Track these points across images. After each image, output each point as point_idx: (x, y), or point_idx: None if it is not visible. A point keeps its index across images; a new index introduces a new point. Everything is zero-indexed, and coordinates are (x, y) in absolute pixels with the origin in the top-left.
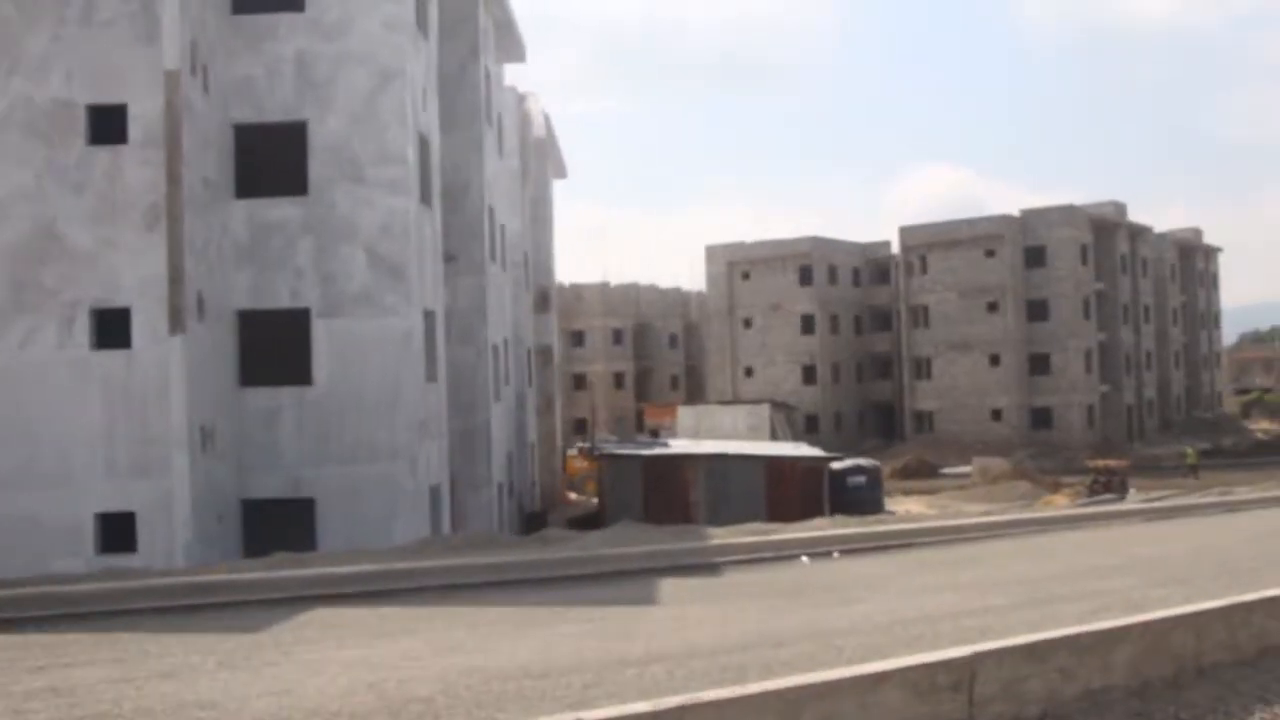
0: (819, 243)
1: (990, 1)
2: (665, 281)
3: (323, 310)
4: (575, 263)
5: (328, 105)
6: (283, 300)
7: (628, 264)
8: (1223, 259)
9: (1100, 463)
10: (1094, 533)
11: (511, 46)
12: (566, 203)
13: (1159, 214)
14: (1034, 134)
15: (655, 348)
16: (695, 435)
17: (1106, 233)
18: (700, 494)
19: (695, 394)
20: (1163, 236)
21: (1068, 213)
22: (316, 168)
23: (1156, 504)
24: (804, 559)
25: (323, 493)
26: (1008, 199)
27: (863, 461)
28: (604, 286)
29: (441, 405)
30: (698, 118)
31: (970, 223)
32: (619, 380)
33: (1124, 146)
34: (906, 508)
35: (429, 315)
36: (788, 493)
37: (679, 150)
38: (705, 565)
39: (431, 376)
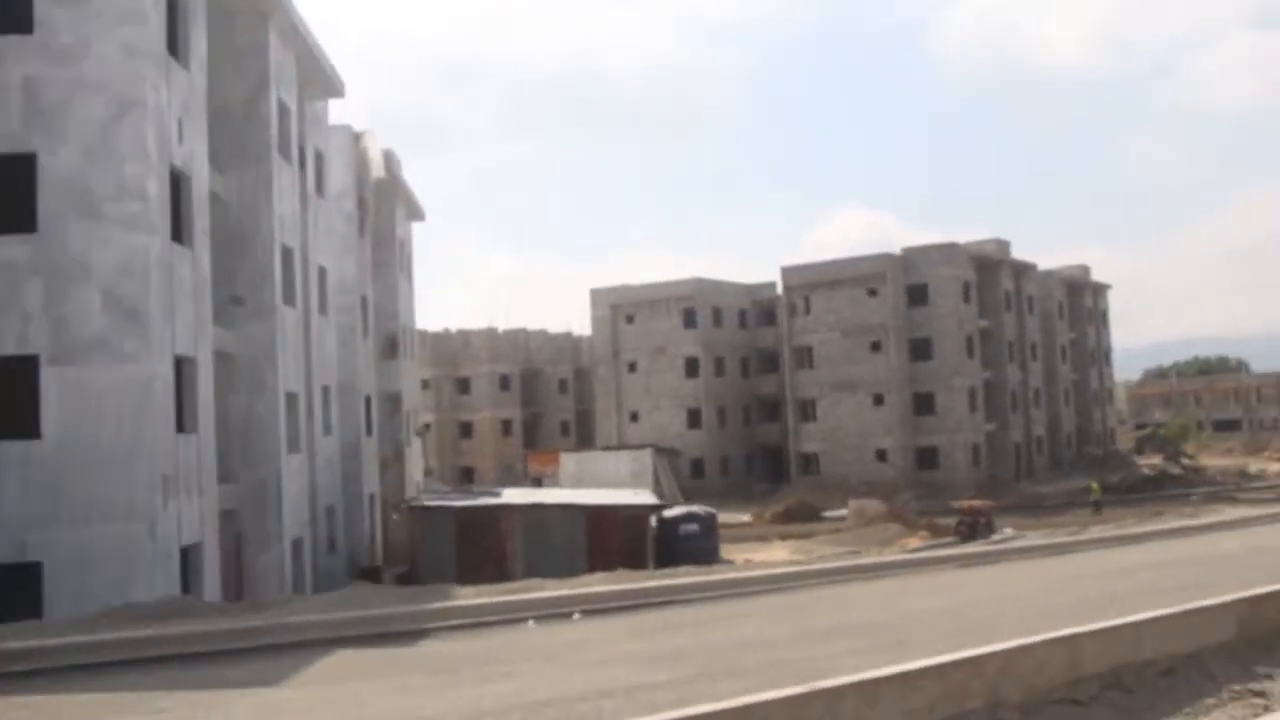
0: (703, 284)
1: (903, 45)
2: (559, 328)
3: (53, 357)
4: (487, 309)
5: (59, 136)
6: (7, 347)
7: (544, 312)
8: (1131, 298)
9: (966, 504)
10: (894, 581)
11: (323, 82)
12: (481, 249)
13: (1070, 255)
14: (949, 176)
15: (545, 394)
16: (578, 483)
17: (989, 270)
18: (518, 546)
19: (586, 440)
20: (1049, 274)
21: (949, 250)
22: (47, 203)
23: (983, 548)
24: (531, 623)
25: (51, 557)
26: (926, 240)
27: (696, 509)
28: (491, 332)
29: (203, 458)
30: (619, 165)
31: (852, 262)
32: (506, 427)
33: (1035, 188)
34: (770, 554)
35: (186, 362)
36: (610, 542)
37: (601, 198)
38: (409, 632)
39: (188, 428)
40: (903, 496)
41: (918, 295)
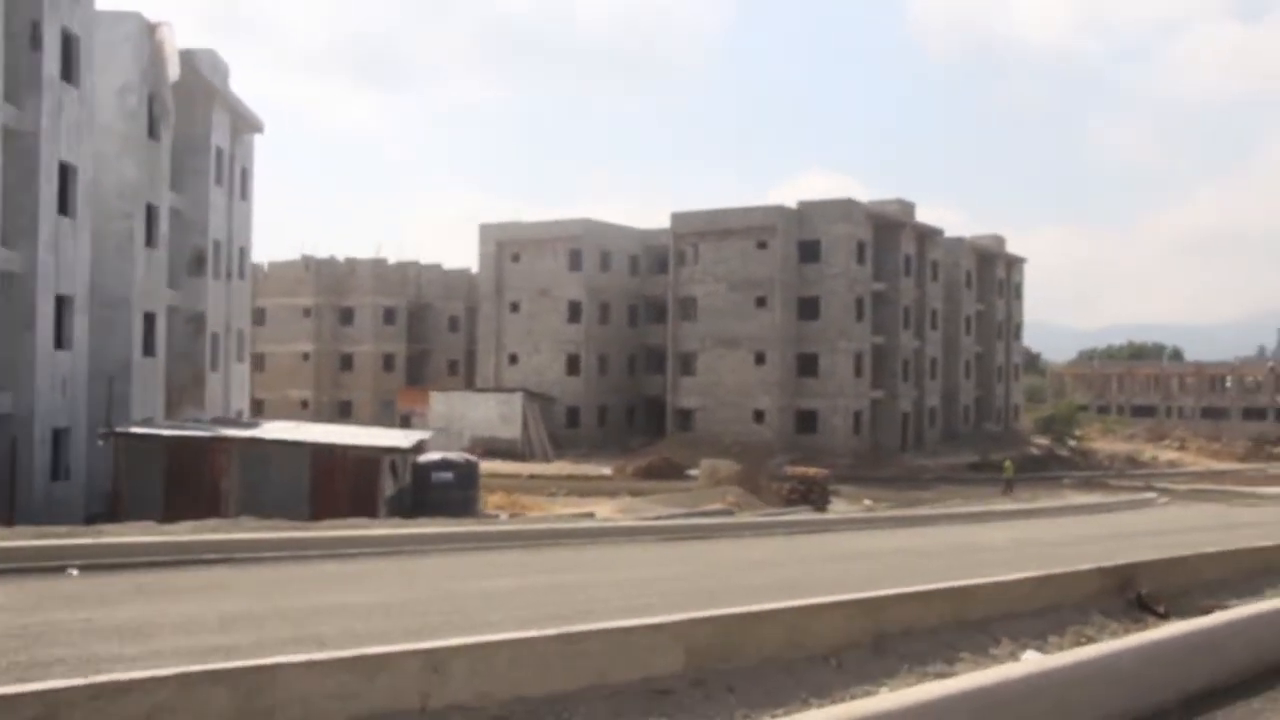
0: (591, 226)
1: (883, 13)
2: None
3: None
4: (444, 246)
5: None
6: None
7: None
8: (1091, 280)
9: (798, 471)
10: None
11: None
12: (447, 188)
13: (1034, 235)
14: (916, 147)
15: (434, 330)
16: (448, 423)
17: (889, 231)
18: (233, 484)
19: (475, 380)
20: (959, 241)
21: (845, 207)
22: None
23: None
24: (73, 571)
25: None
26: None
27: (453, 456)
28: (378, 263)
29: None
30: (586, 110)
31: (743, 212)
32: (389, 362)
33: (1003, 165)
34: (594, 509)
35: None
36: (337, 486)
37: (567, 142)
38: None
39: None
40: (777, 460)
41: (810, 252)
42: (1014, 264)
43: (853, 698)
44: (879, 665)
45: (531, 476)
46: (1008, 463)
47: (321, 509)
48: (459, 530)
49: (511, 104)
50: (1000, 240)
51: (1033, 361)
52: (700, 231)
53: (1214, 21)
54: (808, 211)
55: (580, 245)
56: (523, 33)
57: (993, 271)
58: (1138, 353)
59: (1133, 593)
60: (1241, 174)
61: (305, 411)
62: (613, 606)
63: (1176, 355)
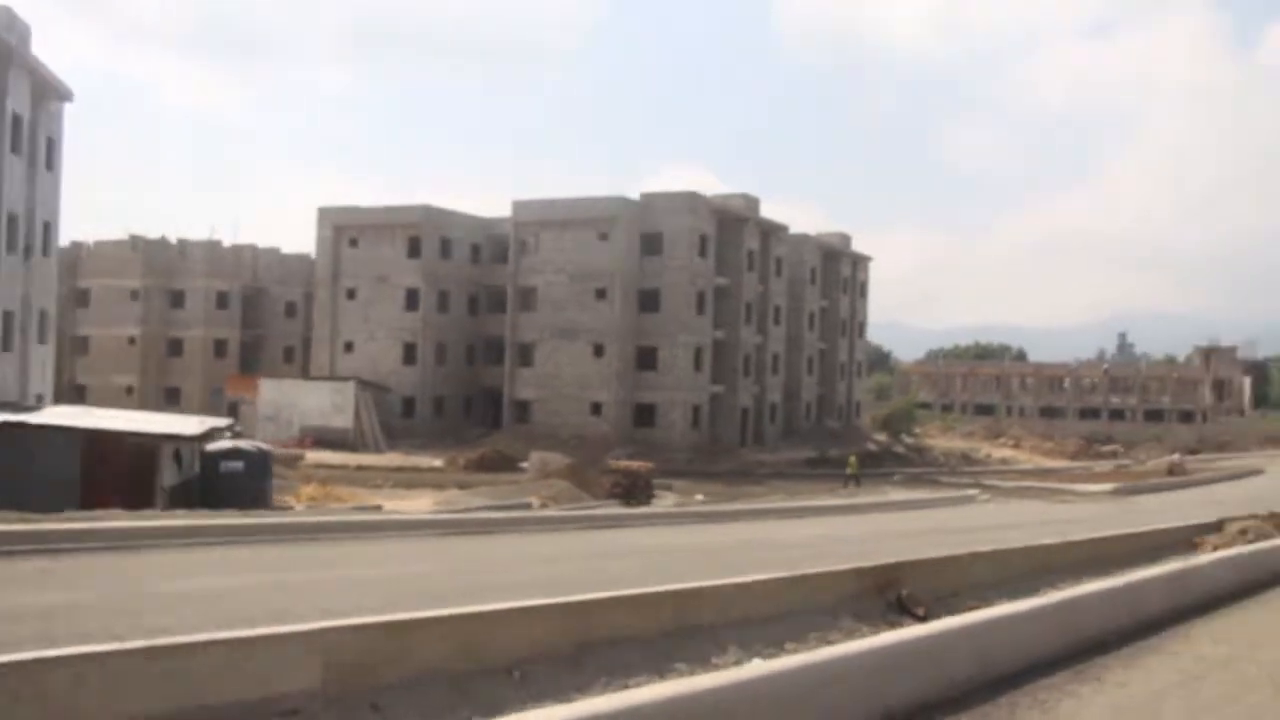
0: (431, 213)
1: (753, 16)
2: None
3: None
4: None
5: None
6: None
7: None
8: (944, 282)
9: (621, 465)
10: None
11: None
12: (309, 171)
13: (892, 238)
14: (780, 148)
15: (270, 316)
16: (277, 411)
17: (732, 226)
18: None
19: (310, 368)
20: (804, 238)
21: (689, 200)
22: None
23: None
24: None
25: None
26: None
27: (244, 444)
28: (212, 245)
29: None
30: (453, 97)
31: (585, 202)
32: (221, 348)
33: (864, 168)
34: (410, 503)
35: None
36: (109, 474)
37: (432, 130)
38: None
39: None
40: (614, 453)
41: (652, 244)
42: (859, 262)
43: None
44: (573, 678)
45: (360, 468)
46: (852, 458)
47: (91, 499)
48: (213, 524)
49: (379, 92)
50: (846, 238)
51: (883, 360)
52: (541, 221)
53: (1065, 38)
54: (650, 203)
55: (420, 232)
56: (392, 20)
57: (837, 269)
58: (983, 353)
59: (894, 594)
60: (1088, 183)
61: (130, 398)
62: (314, 608)
63: (1021, 356)
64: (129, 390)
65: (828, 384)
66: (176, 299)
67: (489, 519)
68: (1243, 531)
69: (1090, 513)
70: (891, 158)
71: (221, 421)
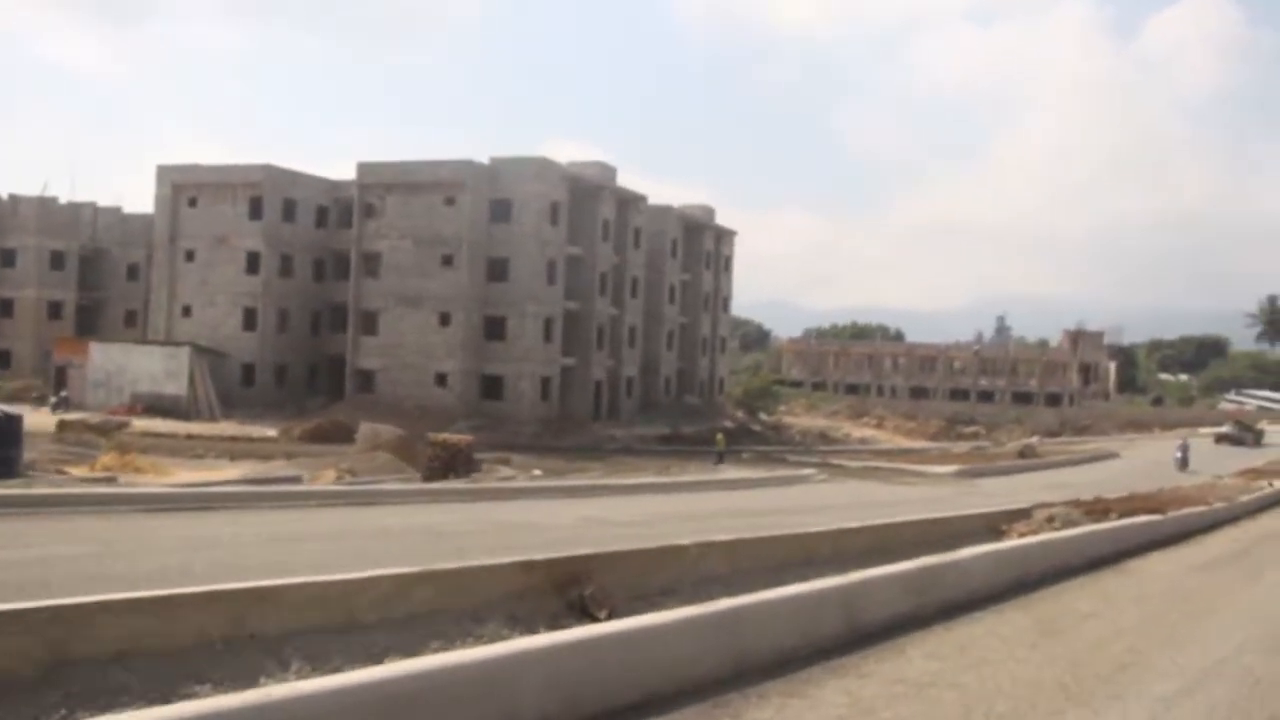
0: (273, 172)
1: None
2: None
3: None
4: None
5: None
6: None
7: None
8: (830, 264)
9: (439, 438)
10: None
11: None
12: (177, 133)
13: (780, 219)
14: (669, 127)
15: (111, 278)
16: (108, 376)
17: (587, 195)
18: None
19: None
20: (665, 209)
21: (540, 165)
22: None
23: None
24: None
25: None
26: (637, 186)
27: None
28: (45, 201)
29: None
30: (338, 61)
31: (432, 165)
32: (55, 310)
33: (751, 149)
34: (211, 474)
35: None
36: None
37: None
38: None
39: None
40: (457, 426)
41: (501, 211)
42: (724, 236)
43: None
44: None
45: (189, 436)
46: (719, 435)
47: None
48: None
49: (253, 48)
50: (709, 210)
51: (764, 339)
52: (387, 184)
53: (950, 22)
54: (500, 168)
55: (261, 192)
56: None
57: (700, 242)
58: (860, 333)
59: (577, 592)
60: (972, 167)
61: None
62: None
63: (898, 337)
64: None
65: (689, 359)
66: (7, 257)
67: (231, 493)
68: (1050, 519)
69: (921, 495)
70: (782, 139)
71: None
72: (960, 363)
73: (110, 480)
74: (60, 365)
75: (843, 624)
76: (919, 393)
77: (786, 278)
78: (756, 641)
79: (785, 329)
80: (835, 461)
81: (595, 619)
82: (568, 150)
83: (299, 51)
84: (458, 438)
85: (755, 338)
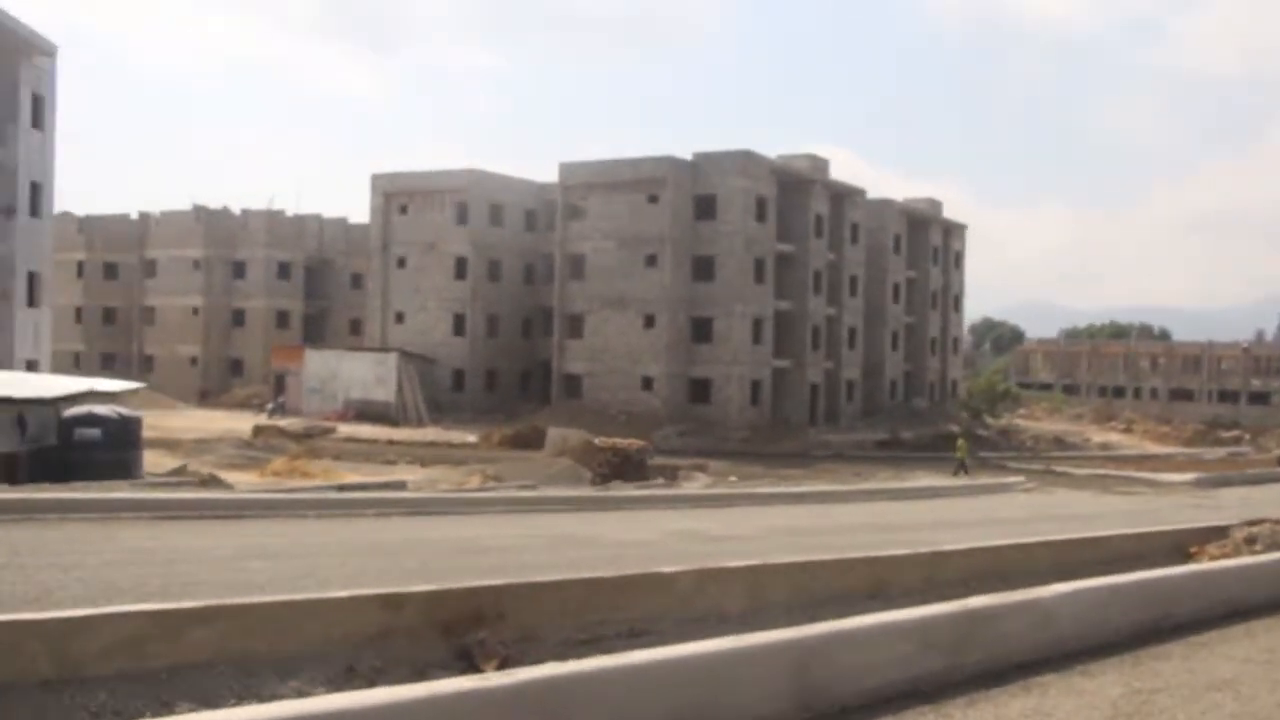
0: (478, 176)
1: None
2: None
3: None
4: None
5: None
6: None
7: None
8: (1099, 261)
9: (609, 443)
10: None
11: None
12: (434, 149)
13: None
14: (921, 124)
15: (336, 287)
16: (322, 383)
17: (799, 189)
18: None
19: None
20: (886, 203)
21: (744, 160)
22: None
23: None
24: None
25: None
26: (890, 186)
27: (101, 410)
28: (272, 214)
29: None
30: (585, 74)
31: (633, 163)
32: (283, 319)
33: (1007, 144)
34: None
35: None
36: None
37: (562, 107)
38: None
39: None
40: (664, 431)
41: (705, 207)
42: (953, 230)
43: None
44: None
45: (391, 442)
46: (961, 441)
47: None
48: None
49: (503, 66)
50: (936, 204)
51: (1018, 341)
52: (589, 184)
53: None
54: (703, 164)
55: (467, 197)
56: (528, 2)
57: (926, 237)
58: (1119, 333)
59: (475, 637)
60: (1249, 154)
61: (194, 368)
62: None
63: (1163, 336)
64: (193, 361)
65: (916, 360)
66: (238, 269)
67: (298, 500)
68: (1250, 540)
69: (1132, 507)
70: (1037, 133)
71: (113, 384)
72: (1228, 362)
73: (212, 485)
74: (278, 372)
75: (789, 697)
76: (1181, 395)
77: (1045, 277)
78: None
79: (1044, 330)
80: (1060, 469)
81: (479, 670)
82: (819, 153)
83: (549, 69)
84: (627, 442)
85: (1009, 340)
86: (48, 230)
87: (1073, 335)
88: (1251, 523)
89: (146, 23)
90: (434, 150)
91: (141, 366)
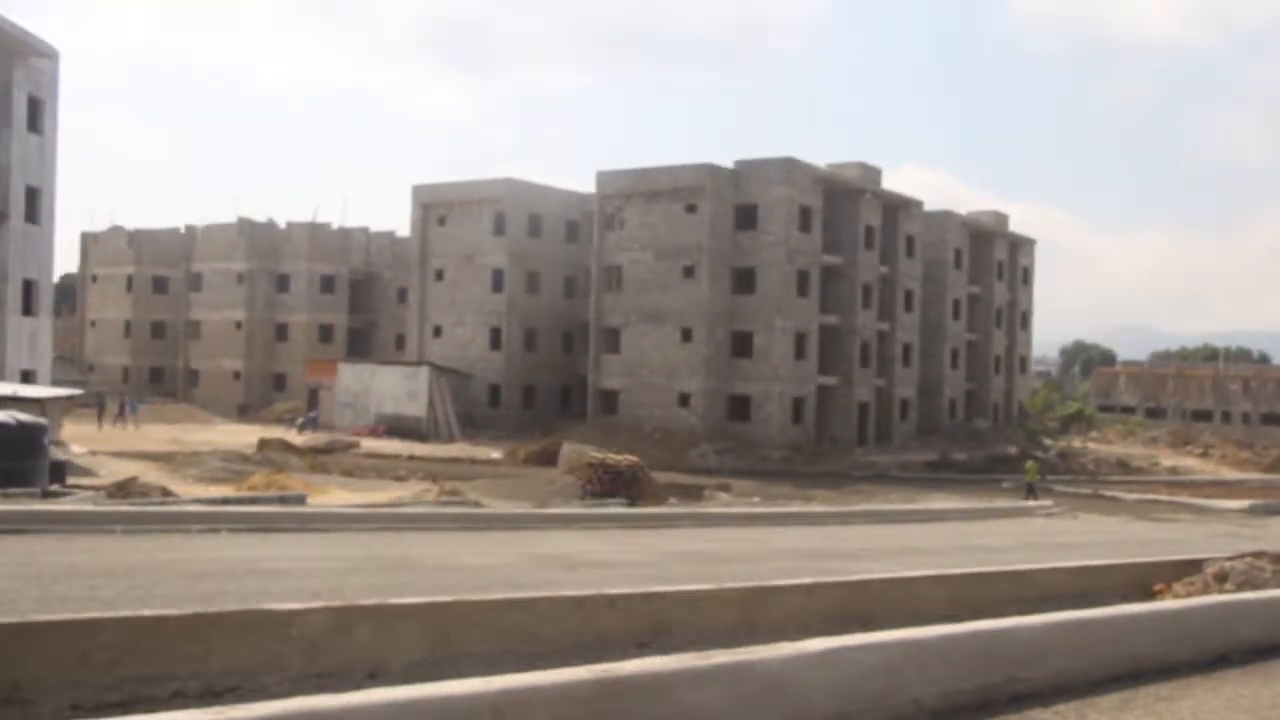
0: (515, 186)
1: (983, 8)
2: None
3: None
4: None
5: None
6: None
7: None
8: (1203, 285)
9: (599, 458)
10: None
11: None
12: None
13: (1137, 237)
14: (1017, 144)
15: (381, 301)
16: (355, 397)
17: (847, 198)
18: None
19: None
20: (946, 215)
21: (786, 167)
22: None
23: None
24: None
25: None
26: (985, 207)
27: (1, 416)
28: (315, 227)
29: None
30: (676, 97)
31: (671, 171)
32: (327, 333)
33: (1107, 165)
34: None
35: None
36: None
37: (656, 129)
38: None
39: None
40: (700, 449)
41: (746, 217)
42: (1020, 245)
43: None
44: None
45: (411, 458)
46: (1030, 463)
47: None
48: None
49: (599, 89)
50: (1002, 217)
51: (1109, 364)
52: (626, 193)
53: None
54: (744, 172)
55: (504, 207)
56: (620, 25)
57: (990, 251)
58: (1212, 355)
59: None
60: None
61: (237, 382)
62: None
63: (1263, 360)
64: (236, 375)
65: (979, 380)
66: (282, 283)
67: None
68: (1220, 576)
69: (1163, 535)
70: (1139, 154)
71: (40, 390)
72: None
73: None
74: (312, 386)
75: None
76: (1272, 419)
77: (1145, 301)
78: None
79: (1140, 354)
80: (1110, 493)
81: None
82: (913, 174)
83: (639, 89)
84: (620, 458)
85: (1099, 363)
86: (48, 238)
87: (1162, 358)
88: (1233, 557)
89: (255, 50)
90: (520, 168)
91: (187, 381)
